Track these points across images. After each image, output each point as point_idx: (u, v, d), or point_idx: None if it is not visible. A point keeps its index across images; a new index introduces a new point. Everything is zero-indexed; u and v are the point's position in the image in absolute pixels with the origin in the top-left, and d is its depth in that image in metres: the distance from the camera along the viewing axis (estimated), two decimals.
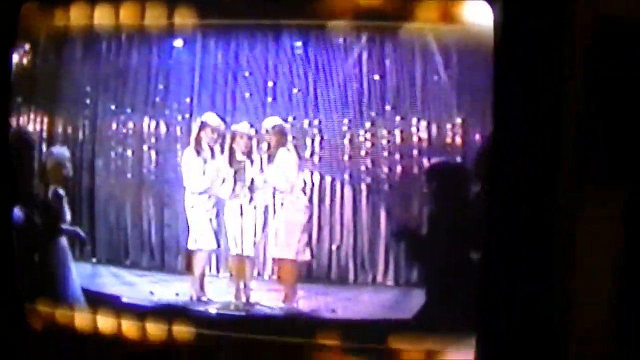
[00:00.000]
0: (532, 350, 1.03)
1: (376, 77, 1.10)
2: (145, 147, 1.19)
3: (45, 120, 1.20)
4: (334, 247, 1.14)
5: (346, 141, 1.10)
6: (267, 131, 1.13)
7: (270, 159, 1.15)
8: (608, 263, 1.02)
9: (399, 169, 1.10)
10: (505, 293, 1.04)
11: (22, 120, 1.20)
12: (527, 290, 1.03)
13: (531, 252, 1.03)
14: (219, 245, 1.18)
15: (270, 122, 1.13)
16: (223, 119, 1.15)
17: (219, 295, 1.16)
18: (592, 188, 1.03)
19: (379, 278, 1.14)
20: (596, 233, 1.03)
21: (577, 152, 1.03)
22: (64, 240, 1.17)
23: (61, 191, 1.17)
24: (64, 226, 1.17)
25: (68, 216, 1.17)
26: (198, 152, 1.16)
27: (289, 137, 1.13)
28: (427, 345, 1.07)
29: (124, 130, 1.20)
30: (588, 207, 1.03)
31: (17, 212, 1.17)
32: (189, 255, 1.17)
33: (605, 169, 1.03)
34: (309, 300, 1.13)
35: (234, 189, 1.15)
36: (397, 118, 1.10)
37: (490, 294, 1.04)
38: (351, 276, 1.14)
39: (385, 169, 1.11)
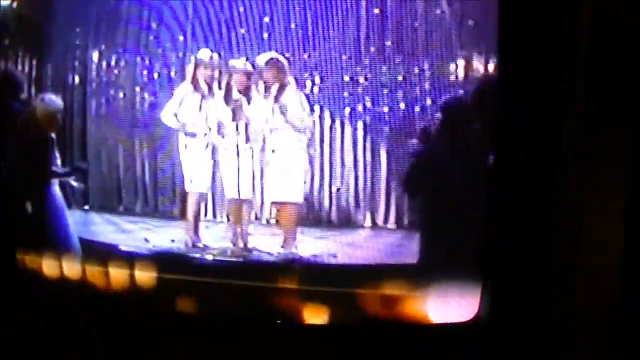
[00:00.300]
0: (537, 296, 1.00)
1: (376, 11, 1.06)
2: (137, 89, 1.16)
3: (34, 62, 1.16)
4: (334, 190, 1.11)
5: (346, 78, 1.07)
6: (262, 66, 1.09)
7: (268, 96, 1.11)
8: (616, 213, 1.00)
9: (400, 107, 1.07)
10: (511, 237, 1.01)
11: (10, 63, 1.16)
12: (532, 233, 1.00)
13: (537, 195, 1.00)
14: (214, 187, 1.14)
15: (265, 56, 1.09)
16: (218, 55, 1.11)
17: (216, 241, 1.13)
18: (599, 131, 1.01)
19: (380, 221, 1.10)
20: (603, 178, 1.00)
21: (587, 92, 1.00)
22: (56, 188, 1.14)
23: (52, 136, 1.14)
24: (55, 170, 1.13)
25: (59, 162, 1.13)
26: (195, 88, 1.12)
27: (287, 74, 1.09)
28: (430, 291, 1.04)
29: (116, 71, 1.16)
30: (595, 152, 1.00)
31: (7, 158, 1.13)
32: (184, 199, 1.14)
33: (614, 110, 1.00)
34: (309, 245, 1.10)
35: (230, 129, 1.12)
36: (398, 54, 1.06)
37: (496, 238, 1.01)
38: (352, 220, 1.10)
39: (386, 108, 1.07)
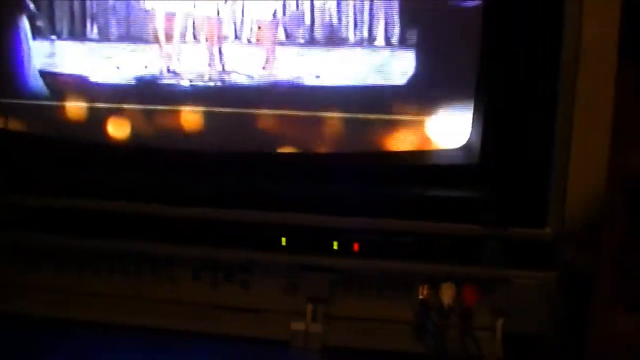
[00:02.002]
0: (531, 121, 0.93)
1: None
2: None
3: None
4: (317, 2, 1.00)
5: None
6: None
7: None
8: None
9: None
10: (507, 56, 0.92)
11: None
12: (529, 52, 0.92)
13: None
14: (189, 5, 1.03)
15: None
16: None
17: (192, 64, 1.04)
18: None
19: (368, 37, 1.00)
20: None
21: None
22: (23, 19, 1.05)
23: None
24: None
25: None
26: None
27: None
28: (421, 111, 0.98)
29: None
30: None
31: None
32: (157, 19, 1.04)
33: None
34: (291, 66, 1.01)
35: None
36: None
37: (491, 55, 0.93)
38: (337, 37, 1.00)
39: None
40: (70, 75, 1.06)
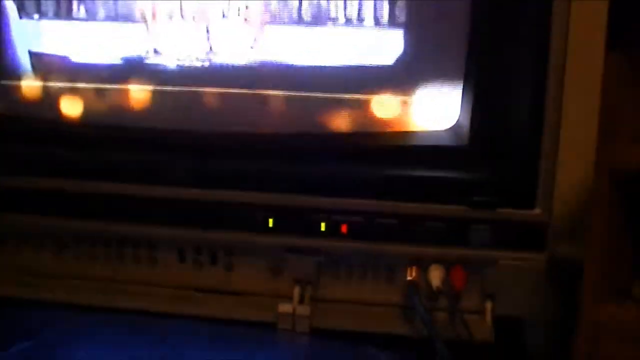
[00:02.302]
0: (520, 103, 0.92)
1: None
2: None
3: None
4: None
5: None
6: None
7: None
8: None
9: None
10: (496, 37, 0.92)
11: None
12: (519, 34, 0.91)
13: None
14: None
15: None
16: None
17: (178, 44, 1.03)
18: None
19: (357, 16, 0.99)
20: None
21: None
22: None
23: None
24: None
25: None
26: None
27: None
28: (409, 92, 0.97)
29: None
30: None
31: None
32: None
33: None
34: (280, 45, 1.00)
35: None
36: None
37: (481, 35, 0.92)
38: (325, 15, 0.99)
39: None
40: (55, 56, 1.04)
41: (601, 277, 1.17)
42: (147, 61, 1.02)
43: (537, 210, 0.93)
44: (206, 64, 1.02)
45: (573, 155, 0.93)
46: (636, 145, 1.14)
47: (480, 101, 0.94)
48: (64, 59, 1.04)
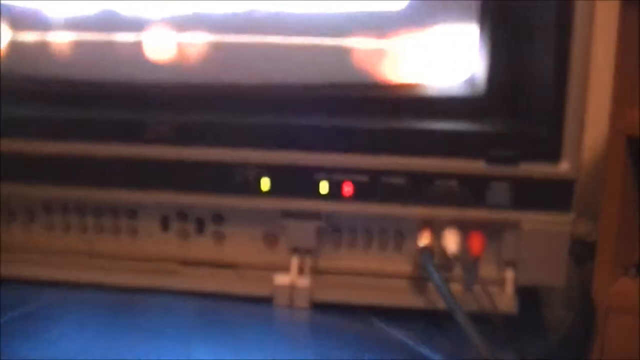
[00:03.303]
0: (541, 49, 0.82)
1: None
2: None
3: None
4: None
5: None
6: None
7: None
8: None
9: None
10: None
11: None
12: None
13: None
14: None
15: None
16: None
17: None
18: None
19: None
20: None
21: None
22: None
23: None
24: None
25: None
26: None
27: None
28: (421, 39, 0.86)
29: None
30: None
31: None
32: None
33: None
34: None
35: None
36: None
37: None
38: None
39: None
40: (28, 9, 0.93)
41: (615, 251, 1.09)
42: (122, 13, 0.91)
43: (563, 165, 0.82)
44: (188, 11, 0.91)
45: (602, 103, 0.83)
46: None
47: (498, 47, 0.84)
48: (34, 10, 0.93)
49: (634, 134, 1.07)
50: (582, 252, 1.12)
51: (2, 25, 0.94)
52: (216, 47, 0.90)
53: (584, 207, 0.94)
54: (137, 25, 0.91)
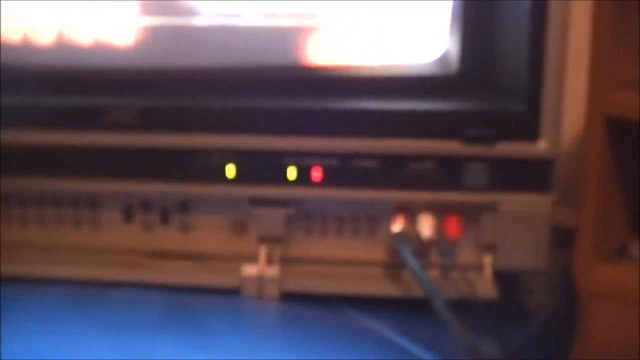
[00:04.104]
0: (516, 24, 0.79)
1: None
2: None
3: None
4: None
5: None
6: None
7: None
8: None
9: None
10: None
11: None
12: None
13: None
14: None
15: None
16: None
17: None
18: None
19: None
20: None
21: None
22: None
23: None
24: None
25: None
26: None
27: None
28: (390, 17, 0.83)
29: None
30: None
31: None
32: None
33: None
34: None
35: None
36: None
37: None
38: None
39: None
40: None
41: (596, 236, 1.07)
42: None
43: (542, 143, 0.79)
44: None
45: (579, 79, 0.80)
46: (630, 91, 1.03)
47: (471, 23, 0.80)
48: None
49: (613, 114, 1.04)
50: (564, 238, 1.10)
51: None
52: (178, 30, 0.86)
53: (567, 193, 0.90)
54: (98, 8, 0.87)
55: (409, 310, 0.81)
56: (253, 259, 0.85)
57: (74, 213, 0.89)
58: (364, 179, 0.81)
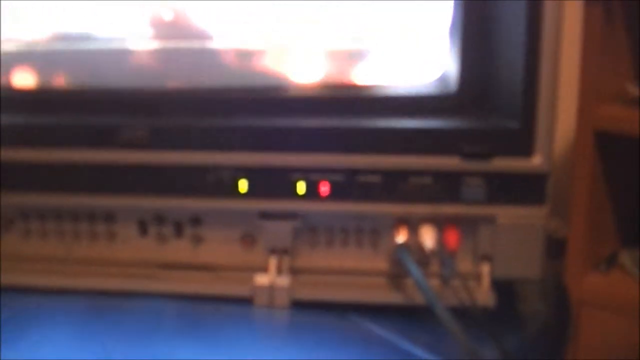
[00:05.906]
0: (512, 46, 0.83)
1: None
2: None
3: None
4: None
5: None
6: None
7: None
8: None
9: None
10: None
11: None
12: None
13: None
14: None
15: None
16: None
17: None
18: None
19: None
20: None
21: None
22: None
23: None
24: None
25: None
26: None
27: None
28: (392, 39, 0.88)
29: None
30: None
31: None
32: None
33: None
34: None
35: None
36: None
37: None
38: None
39: None
40: None
41: (585, 246, 1.11)
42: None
43: (536, 159, 0.84)
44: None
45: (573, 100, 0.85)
46: (619, 105, 1.08)
47: (469, 46, 0.85)
48: None
49: (602, 128, 1.08)
50: (556, 247, 1.14)
51: None
52: (190, 52, 0.90)
53: (558, 204, 0.95)
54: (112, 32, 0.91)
55: (411, 316, 0.85)
56: (262, 269, 0.89)
57: (91, 227, 0.93)
58: (368, 194, 0.86)
